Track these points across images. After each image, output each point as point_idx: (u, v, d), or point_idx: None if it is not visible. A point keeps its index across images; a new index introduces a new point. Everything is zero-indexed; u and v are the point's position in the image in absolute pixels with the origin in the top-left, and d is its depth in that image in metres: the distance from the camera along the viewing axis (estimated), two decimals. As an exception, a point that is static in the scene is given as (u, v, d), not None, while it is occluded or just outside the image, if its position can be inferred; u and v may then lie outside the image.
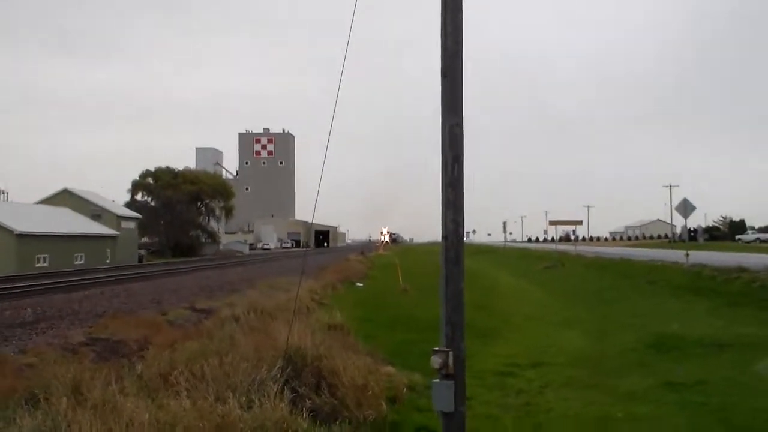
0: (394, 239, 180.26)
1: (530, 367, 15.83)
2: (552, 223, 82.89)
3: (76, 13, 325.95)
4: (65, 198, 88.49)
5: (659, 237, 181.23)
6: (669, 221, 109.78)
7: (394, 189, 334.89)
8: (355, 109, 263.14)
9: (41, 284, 38.26)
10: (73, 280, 41.94)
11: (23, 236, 64.02)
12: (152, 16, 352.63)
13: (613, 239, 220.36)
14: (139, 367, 11.40)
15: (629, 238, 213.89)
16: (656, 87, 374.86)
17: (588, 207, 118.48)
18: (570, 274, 48.25)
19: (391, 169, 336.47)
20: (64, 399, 8.43)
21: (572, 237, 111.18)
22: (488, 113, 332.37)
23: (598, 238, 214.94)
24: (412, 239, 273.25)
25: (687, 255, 38.62)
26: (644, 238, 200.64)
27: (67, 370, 10.22)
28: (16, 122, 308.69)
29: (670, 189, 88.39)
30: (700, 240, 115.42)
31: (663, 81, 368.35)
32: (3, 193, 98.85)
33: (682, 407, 11.57)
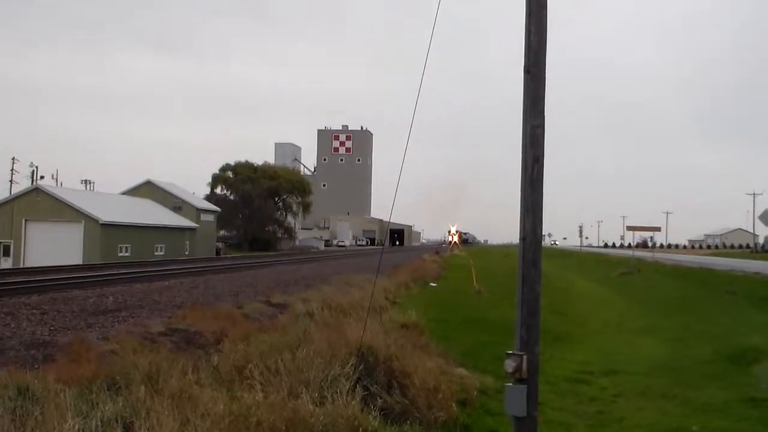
0: (465, 239, 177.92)
1: (604, 375, 15.61)
2: (629, 228, 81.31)
3: (162, 13, 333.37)
4: (148, 189, 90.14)
5: (740, 246, 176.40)
6: (751, 230, 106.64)
7: (470, 189, 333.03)
8: (433, 107, 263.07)
9: (123, 273, 39.20)
10: (153, 271, 42.75)
11: (107, 226, 65.71)
12: (238, 15, 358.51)
13: (692, 247, 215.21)
14: (215, 359, 11.61)
15: (708, 247, 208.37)
16: (736, 91, 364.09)
17: (667, 213, 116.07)
18: (647, 281, 47.20)
19: (468, 169, 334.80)
20: (143, 387, 8.65)
21: (650, 244, 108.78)
22: (567, 114, 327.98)
23: (677, 246, 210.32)
24: (487, 240, 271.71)
25: (771, 266, 37.38)
26: (725, 247, 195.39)
27: (145, 358, 10.47)
28: (101, 115, 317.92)
29: (754, 197, 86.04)
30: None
31: (743, 85, 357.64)
32: (89, 183, 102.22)
33: (764, 424, 11.20)
